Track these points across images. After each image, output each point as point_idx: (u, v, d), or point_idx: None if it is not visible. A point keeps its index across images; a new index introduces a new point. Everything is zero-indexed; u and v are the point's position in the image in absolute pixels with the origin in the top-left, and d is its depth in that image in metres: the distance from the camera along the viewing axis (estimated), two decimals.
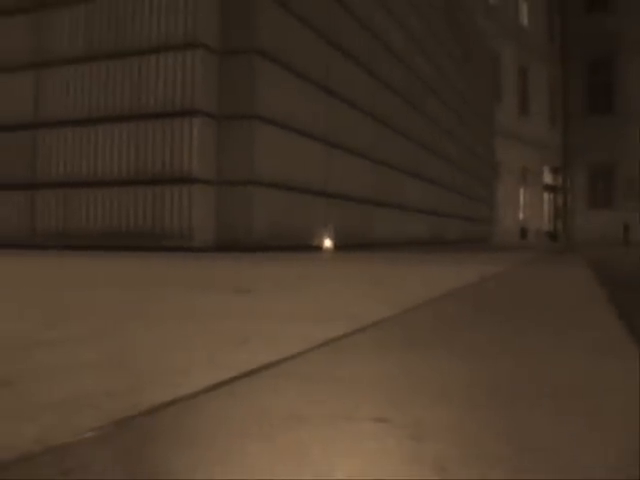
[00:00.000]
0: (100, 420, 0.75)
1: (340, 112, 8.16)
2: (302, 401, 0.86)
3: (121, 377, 0.97)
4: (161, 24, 6.14)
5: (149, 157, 6.04)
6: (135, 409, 0.79)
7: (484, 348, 1.30)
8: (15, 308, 1.83)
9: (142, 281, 2.98)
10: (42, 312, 1.74)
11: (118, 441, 0.70)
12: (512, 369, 1.08)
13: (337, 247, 7.63)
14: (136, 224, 6.04)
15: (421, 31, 11.79)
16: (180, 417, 0.79)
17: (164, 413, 0.80)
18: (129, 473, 0.62)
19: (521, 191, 25.00)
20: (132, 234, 6.04)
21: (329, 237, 7.61)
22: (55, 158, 6.49)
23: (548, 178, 27.24)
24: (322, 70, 7.66)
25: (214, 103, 6.16)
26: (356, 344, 1.33)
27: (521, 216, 24.89)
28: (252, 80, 6.19)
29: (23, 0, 6.81)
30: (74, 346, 1.22)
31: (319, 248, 7.38)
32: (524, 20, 25.80)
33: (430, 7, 12.59)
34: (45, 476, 0.60)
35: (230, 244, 6.06)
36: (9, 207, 6.69)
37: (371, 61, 9.20)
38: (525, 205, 25.30)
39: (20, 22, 6.82)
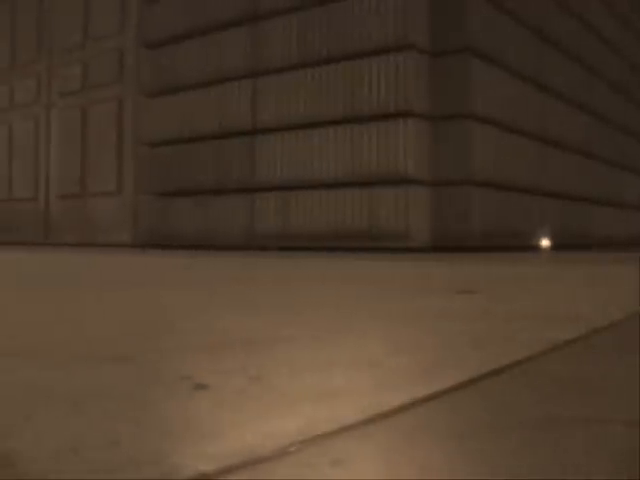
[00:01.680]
0: (356, 414, 0.79)
1: (553, 107, 8.02)
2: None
3: (364, 375, 1.00)
4: (372, 28, 6.34)
5: (364, 159, 6.25)
6: (386, 405, 0.82)
7: None
8: (255, 308, 1.98)
9: (360, 280, 3.08)
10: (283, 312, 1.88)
11: (379, 434, 0.73)
12: None
13: (553, 247, 7.47)
14: (352, 225, 6.27)
15: (636, 19, 11.20)
16: (433, 414, 0.81)
17: (418, 409, 0.82)
18: (392, 466, 0.64)
19: None
20: (348, 235, 6.28)
21: (545, 237, 7.47)
22: (273, 162, 6.89)
23: None
24: (533, 65, 7.57)
25: (427, 104, 6.27)
26: (594, 346, 1.31)
27: None
28: (466, 79, 6.26)
29: (239, 14, 7.28)
30: (309, 343, 1.29)
31: (535, 248, 7.27)
32: None
33: None
34: (315, 466, 0.63)
35: (446, 244, 6.14)
36: (231, 210, 7.19)
37: (583, 53, 8.91)
38: None
39: (237, 35, 7.32)
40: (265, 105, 7.04)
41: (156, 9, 8.11)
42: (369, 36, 6.37)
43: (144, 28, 8.36)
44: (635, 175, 11.14)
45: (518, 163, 7.15)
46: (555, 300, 2.22)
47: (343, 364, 1.09)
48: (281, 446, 0.68)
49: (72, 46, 9.54)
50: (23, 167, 10.33)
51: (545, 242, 7.42)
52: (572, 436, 0.73)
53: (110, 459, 0.64)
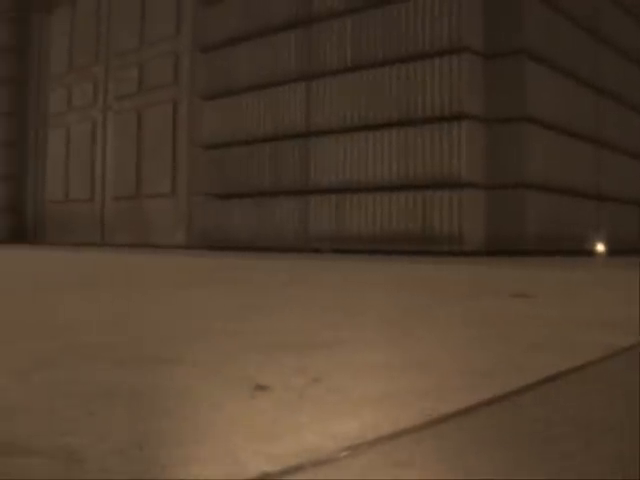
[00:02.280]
0: (415, 417, 0.81)
1: (609, 110, 7.93)
2: None
3: (428, 378, 1.03)
4: (426, 29, 6.38)
5: (418, 162, 6.29)
6: (446, 409, 0.84)
7: None
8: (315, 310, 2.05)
9: (414, 283, 3.15)
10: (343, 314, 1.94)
11: (441, 437, 0.75)
12: None
13: (610, 252, 7.41)
14: (406, 228, 6.32)
15: None
16: (494, 418, 0.83)
17: (479, 413, 0.84)
18: (453, 469, 0.65)
19: None
20: (401, 238, 6.34)
21: (600, 241, 7.41)
22: (327, 165, 6.98)
23: None
24: (589, 67, 7.52)
25: (481, 106, 6.30)
26: None
27: None
28: (521, 81, 6.27)
29: (293, 16, 7.37)
30: (366, 346, 1.33)
31: (591, 253, 7.22)
32: None
33: None
34: (377, 468, 0.64)
35: (500, 248, 6.16)
36: (285, 212, 7.29)
37: None
38: None
39: (291, 37, 7.42)
40: (319, 108, 7.13)
41: (211, 12, 8.26)
42: (423, 38, 6.41)
43: (199, 31, 8.53)
44: None
45: (573, 166, 7.12)
46: (611, 305, 2.24)
47: (401, 367, 1.11)
48: (342, 447, 0.69)
49: (128, 50, 9.77)
50: (80, 169, 10.59)
51: (600, 246, 7.37)
52: (635, 442, 0.73)
53: (175, 456, 0.66)
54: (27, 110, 11.63)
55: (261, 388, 0.95)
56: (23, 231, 11.54)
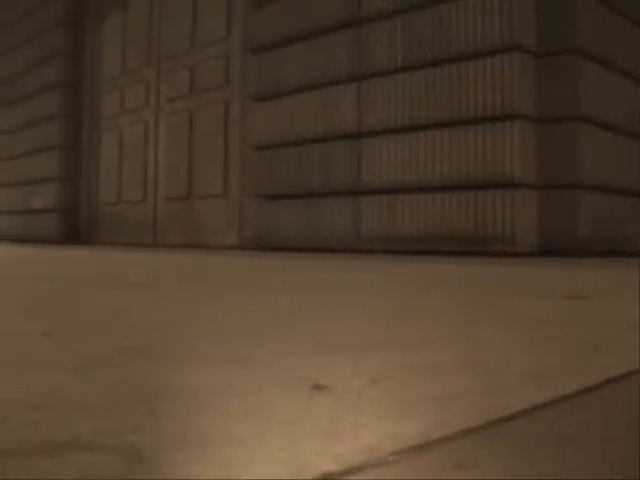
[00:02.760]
0: (475, 418, 0.81)
1: None
2: None
3: (480, 379, 1.03)
4: (477, 28, 6.39)
5: (470, 162, 6.31)
6: (507, 410, 0.84)
7: None
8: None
9: (467, 284, 3.19)
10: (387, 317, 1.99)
11: (502, 439, 0.75)
12: None
13: None
14: (457, 229, 6.34)
15: None
16: (557, 418, 0.83)
17: (541, 414, 0.84)
18: (518, 470, 0.65)
19: None
20: (453, 239, 6.36)
21: None
22: (378, 165, 7.03)
23: None
24: None
25: (533, 106, 6.29)
26: None
27: None
28: (574, 80, 6.25)
29: (343, 17, 7.44)
30: (422, 347, 1.34)
31: None
32: None
33: None
34: (438, 469, 0.64)
35: (553, 248, 6.14)
36: (336, 213, 7.37)
37: None
38: None
39: (342, 37, 7.49)
40: (370, 108, 7.19)
41: (261, 14, 8.38)
42: (474, 37, 6.43)
43: (249, 33, 8.65)
44: None
45: (628, 166, 7.07)
46: None
47: (459, 368, 1.12)
48: (403, 448, 0.70)
49: (180, 52, 9.96)
50: (132, 170, 10.81)
51: None
52: None
53: (239, 456, 0.67)
54: (81, 113, 11.90)
55: (320, 388, 0.96)
56: (76, 232, 11.81)
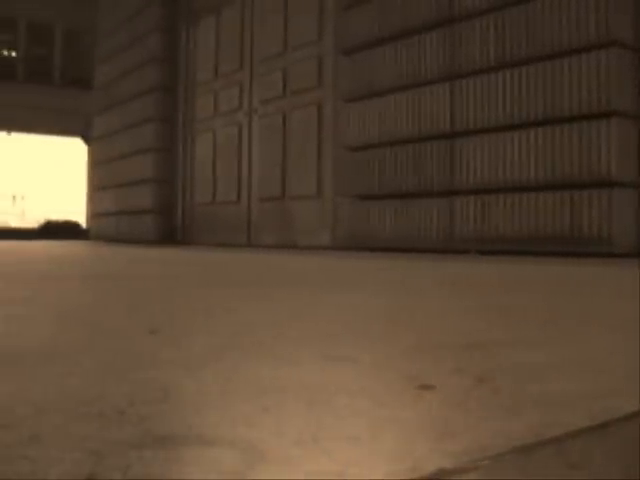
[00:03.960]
0: (585, 419, 0.81)
1: None
2: None
3: (594, 379, 1.04)
4: (571, 25, 6.40)
5: (565, 161, 6.34)
6: (619, 412, 0.84)
7: None
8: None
9: (563, 285, 3.24)
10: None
11: (613, 441, 0.75)
12: None
13: None
14: (553, 229, 6.38)
15: None
16: None
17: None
18: (626, 472, 0.64)
19: None
20: (548, 239, 6.40)
21: None
22: (472, 165, 7.12)
23: None
24: None
25: (631, 102, 6.26)
26: None
27: None
28: None
29: (435, 16, 7.55)
30: (524, 347, 1.35)
31: None
32: None
33: None
34: (552, 468, 0.65)
35: None
36: (430, 213, 7.49)
37: None
38: None
39: (433, 37, 7.60)
40: (464, 108, 7.27)
41: (352, 16, 8.56)
42: (569, 34, 6.44)
43: (341, 34, 8.84)
44: None
45: None
46: None
47: (563, 367, 1.13)
48: (513, 446, 0.70)
49: (272, 55, 10.24)
50: (226, 172, 11.17)
51: None
52: None
53: (355, 453, 0.69)
54: (177, 116, 12.34)
55: (427, 387, 0.97)
56: (172, 233, 12.26)
